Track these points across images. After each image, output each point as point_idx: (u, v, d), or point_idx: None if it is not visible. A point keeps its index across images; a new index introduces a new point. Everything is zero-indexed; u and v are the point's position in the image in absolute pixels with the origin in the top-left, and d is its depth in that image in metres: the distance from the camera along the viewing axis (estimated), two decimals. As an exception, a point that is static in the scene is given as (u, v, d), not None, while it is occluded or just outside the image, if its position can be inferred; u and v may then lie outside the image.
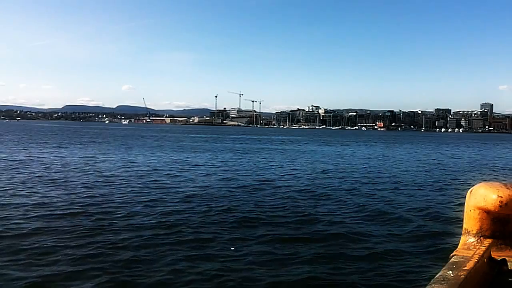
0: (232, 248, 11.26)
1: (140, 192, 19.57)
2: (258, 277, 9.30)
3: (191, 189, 21.13)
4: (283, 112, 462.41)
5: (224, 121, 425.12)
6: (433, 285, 1.69)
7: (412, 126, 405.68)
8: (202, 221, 14.14)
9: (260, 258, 10.50)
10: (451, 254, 2.15)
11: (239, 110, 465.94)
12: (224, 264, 10.01)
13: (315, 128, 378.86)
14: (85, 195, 18.30)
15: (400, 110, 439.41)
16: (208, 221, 14.10)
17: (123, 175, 25.89)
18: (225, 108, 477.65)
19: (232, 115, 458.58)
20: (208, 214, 15.16)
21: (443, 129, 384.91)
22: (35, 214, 14.35)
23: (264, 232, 12.92)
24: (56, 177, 23.73)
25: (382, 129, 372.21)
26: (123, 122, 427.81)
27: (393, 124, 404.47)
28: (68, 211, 15.01)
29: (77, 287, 8.57)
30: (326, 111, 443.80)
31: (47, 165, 29.79)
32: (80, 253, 10.43)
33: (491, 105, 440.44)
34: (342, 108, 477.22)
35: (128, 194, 18.89)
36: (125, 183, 22.30)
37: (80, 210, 15.25)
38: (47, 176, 24.33)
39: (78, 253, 10.43)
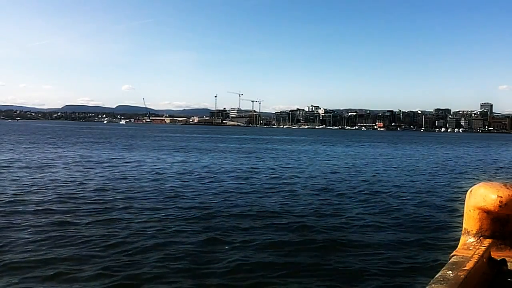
0: (227, 247, 11.20)
1: (140, 194, 19.47)
2: (253, 276, 9.21)
3: (195, 189, 21.04)
4: (283, 112, 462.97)
5: (224, 121, 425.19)
6: (432, 285, 1.69)
7: (411, 126, 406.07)
8: (203, 220, 14.06)
9: (257, 255, 10.42)
10: (451, 254, 2.15)
11: (239, 110, 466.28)
12: (222, 263, 9.92)
13: (314, 128, 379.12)
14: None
15: (400, 110, 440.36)
16: (207, 221, 14.02)
17: (133, 177, 25.79)
18: (224, 108, 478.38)
19: (232, 115, 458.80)
20: (208, 214, 15.07)
21: (442, 129, 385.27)
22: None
23: (263, 229, 12.86)
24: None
25: (381, 129, 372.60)
26: (121, 122, 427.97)
27: (392, 124, 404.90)
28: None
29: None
30: (325, 111, 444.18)
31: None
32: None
33: (491, 105, 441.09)
34: (341, 108, 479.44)
35: (126, 193, 18.81)
36: (134, 186, 22.18)
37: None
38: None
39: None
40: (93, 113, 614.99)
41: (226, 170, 30.28)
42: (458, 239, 2.40)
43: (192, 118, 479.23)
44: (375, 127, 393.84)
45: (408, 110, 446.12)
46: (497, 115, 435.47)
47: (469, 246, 2.26)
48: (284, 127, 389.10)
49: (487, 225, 2.29)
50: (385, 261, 10.42)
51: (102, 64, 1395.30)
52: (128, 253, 10.53)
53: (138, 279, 8.94)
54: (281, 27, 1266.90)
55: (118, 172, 27.13)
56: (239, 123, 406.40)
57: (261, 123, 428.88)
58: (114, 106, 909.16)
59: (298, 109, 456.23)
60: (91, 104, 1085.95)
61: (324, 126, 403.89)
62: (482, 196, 2.25)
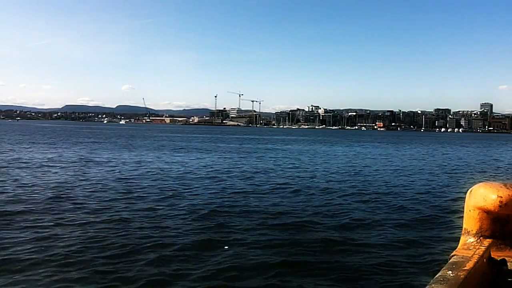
0: (226, 247, 11.18)
1: (138, 193, 19.44)
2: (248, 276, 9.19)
3: (195, 189, 21.02)
4: (283, 112, 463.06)
5: (224, 121, 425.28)
6: (432, 285, 1.69)
7: (411, 126, 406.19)
8: (203, 220, 14.04)
9: (256, 255, 10.39)
10: (451, 254, 2.15)
11: (239, 110, 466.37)
12: (219, 262, 9.89)
13: (314, 128, 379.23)
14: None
15: (400, 110, 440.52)
16: (205, 220, 14.00)
17: (127, 175, 25.77)
18: (224, 108, 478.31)
19: (232, 115, 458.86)
20: (207, 214, 15.05)
21: (442, 129, 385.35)
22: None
23: (261, 228, 12.84)
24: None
25: (381, 129, 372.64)
26: (121, 122, 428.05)
27: (392, 124, 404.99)
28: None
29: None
30: (325, 111, 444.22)
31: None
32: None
33: (491, 105, 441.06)
34: (341, 108, 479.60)
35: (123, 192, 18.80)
36: (133, 186, 22.16)
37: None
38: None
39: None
40: (93, 113, 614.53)
41: (226, 170, 30.26)
42: (458, 239, 2.40)
43: (192, 118, 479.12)
44: (375, 127, 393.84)
45: (408, 110, 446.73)
46: (497, 115, 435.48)
47: (469, 246, 2.26)
48: (284, 127, 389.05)
49: (487, 225, 2.29)
50: (384, 261, 10.39)
51: (102, 64, 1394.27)
52: (126, 253, 10.49)
53: (135, 279, 8.90)
54: (281, 27, 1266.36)
55: (118, 172, 27.11)
56: (239, 123, 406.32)
57: (261, 123, 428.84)
58: (114, 106, 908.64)
59: (298, 109, 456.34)
60: (91, 104, 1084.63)
61: (324, 126, 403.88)
62: (482, 196, 2.25)
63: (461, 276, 1.78)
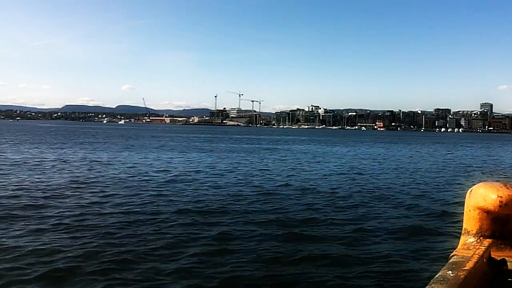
0: (223, 246, 11.22)
1: (139, 194, 19.49)
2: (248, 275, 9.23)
3: (198, 192, 21.06)
4: (283, 112, 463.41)
5: (224, 121, 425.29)
6: (433, 285, 1.70)
7: (411, 126, 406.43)
8: (203, 219, 14.09)
9: (251, 255, 10.44)
10: (451, 254, 2.14)
11: (239, 110, 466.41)
12: (220, 261, 9.94)
13: (314, 128, 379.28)
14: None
15: (400, 110, 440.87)
16: (202, 219, 14.05)
17: (132, 178, 25.82)
18: (224, 108, 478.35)
19: (232, 115, 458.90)
20: (205, 214, 15.09)
21: (442, 129, 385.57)
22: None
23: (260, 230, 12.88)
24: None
25: (381, 129, 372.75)
26: (120, 122, 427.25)
27: (392, 124, 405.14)
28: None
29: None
30: (325, 111, 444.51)
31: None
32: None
33: (491, 105, 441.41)
34: (341, 108, 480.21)
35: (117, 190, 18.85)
36: (133, 185, 22.21)
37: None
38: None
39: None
40: (93, 113, 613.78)
41: (226, 170, 30.29)
42: (458, 239, 2.41)
43: (192, 118, 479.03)
44: (375, 127, 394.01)
45: (408, 110, 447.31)
46: (497, 115, 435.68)
47: (469, 246, 2.26)
48: (284, 127, 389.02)
49: (487, 225, 2.29)
50: (384, 260, 10.42)
51: (102, 64, 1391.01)
52: (120, 253, 10.54)
53: (133, 275, 8.95)
54: (281, 27, 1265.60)
55: (118, 171, 27.13)
56: (239, 123, 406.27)
57: (261, 123, 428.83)
58: (114, 106, 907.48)
59: (298, 109, 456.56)
60: (91, 104, 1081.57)
61: (324, 126, 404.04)
62: (482, 196, 2.26)
63: (461, 276, 1.78)
